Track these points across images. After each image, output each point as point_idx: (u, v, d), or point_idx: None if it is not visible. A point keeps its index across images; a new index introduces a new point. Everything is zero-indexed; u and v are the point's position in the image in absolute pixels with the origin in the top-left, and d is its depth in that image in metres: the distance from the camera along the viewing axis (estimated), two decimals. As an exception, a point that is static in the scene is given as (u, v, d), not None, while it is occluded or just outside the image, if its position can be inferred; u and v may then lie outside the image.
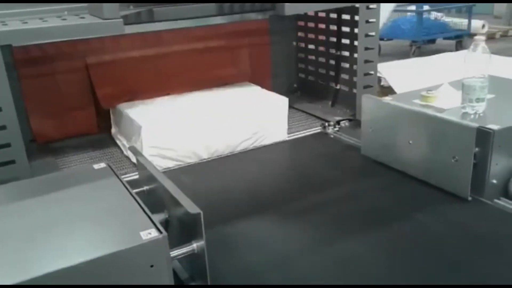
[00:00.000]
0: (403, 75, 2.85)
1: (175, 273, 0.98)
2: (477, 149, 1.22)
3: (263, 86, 2.10)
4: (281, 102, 1.74)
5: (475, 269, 1.02)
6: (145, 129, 1.48)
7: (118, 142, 1.70)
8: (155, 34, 1.71)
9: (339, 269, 1.04)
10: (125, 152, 1.63)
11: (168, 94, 1.82)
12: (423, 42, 5.62)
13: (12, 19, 1.33)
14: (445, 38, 5.88)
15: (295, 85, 2.20)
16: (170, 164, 1.54)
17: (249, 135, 1.67)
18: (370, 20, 1.73)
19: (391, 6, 4.27)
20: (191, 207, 0.88)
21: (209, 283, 0.91)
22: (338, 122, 1.82)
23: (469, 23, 5.76)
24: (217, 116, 1.61)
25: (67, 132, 1.73)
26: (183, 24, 1.55)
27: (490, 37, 6.28)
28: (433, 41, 5.89)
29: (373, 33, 1.76)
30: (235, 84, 1.94)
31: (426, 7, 5.70)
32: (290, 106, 2.00)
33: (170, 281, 0.85)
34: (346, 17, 1.84)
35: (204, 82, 1.91)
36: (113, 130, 1.76)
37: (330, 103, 2.01)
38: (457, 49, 5.36)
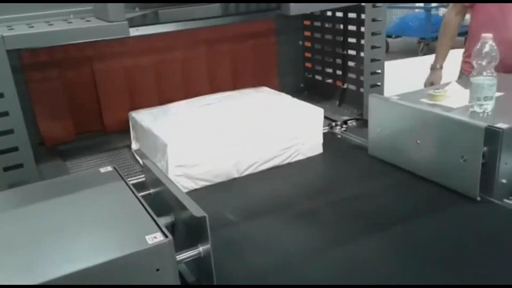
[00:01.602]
0: (410, 74, 2.83)
1: (182, 276, 0.98)
2: (485, 148, 1.21)
3: (270, 86, 2.11)
4: (317, 113, 1.59)
5: (485, 269, 1.01)
6: (171, 147, 1.34)
7: (139, 159, 1.54)
8: (161, 37, 1.71)
9: (347, 269, 1.04)
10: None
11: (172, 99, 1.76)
12: (432, 39, 5.58)
13: (19, 23, 1.33)
14: (453, 35, 5.83)
15: (302, 85, 2.19)
16: (197, 184, 1.42)
17: (282, 150, 1.53)
18: (377, 18, 1.72)
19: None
20: (197, 211, 0.88)
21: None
22: (345, 122, 1.81)
23: (478, 19, 5.70)
24: (249, 129, 1.47)
25: (76, 135, 1.74)
26: (188, 26, 1.55)
27: (500, 33, 6.21)
28: (441, 37, 5.84)
29: (379, 32, 1.75)
30: (259, 90, 1.82)
31: (434, 3, 5.67)
32: (297, 106, 2.00)
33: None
34: (352, 15, 1.83)
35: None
36: (133, 146, 1.65)
37: (337, 102, 2.00)
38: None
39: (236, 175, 1.46)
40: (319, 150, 1.60)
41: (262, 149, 1.48)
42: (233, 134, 1.43)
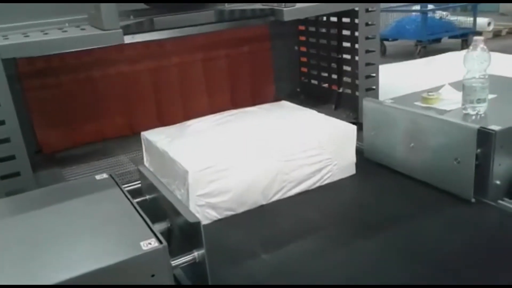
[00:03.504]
0: (407, 77, 2.84)
1: (178, 281, 0.99)
2: (479, 150, 1.21)
3: (266, 92, 2.12)
4: (349, 130, 1.44)
5: (481, 270, 1.01)
6: (193, 175, 1.20)
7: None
8: (157, 44, 1.72)
9: (341, 270, 1.04)
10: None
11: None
12: (428, 42, 5.59)
13: (14, 32, 1.35)
14: (450, 37, 5.85)
15: (298, 89, 2.20)
16: (221, 214, 1.27)
17: (312, 172, 1.38)
18: (370, 22, 1.74)
19: None
20: (191, 216, 0.89)
21: (210, 291, 0.91)
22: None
23: (475, 21, 5.73)
24: (277, 151, 1.32)
25: (73, 142, 1.75)
26: (183, 33, 1.56)
27: (496, 35, 6.24)
28: (438, 40, 5.86)
29: (373, 36, 1.76)
30: (279, 105, 1.69)
31: (430, 6, 5.68)
32: (293, 111, 2.01)
33: (172, 290, 0.86)
34: (346, 20, 1.84)
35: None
36: (146, 165, 1.51)
37: (333, 106, 2.01)
38: (462, 48, 5.32)
39: (263, 202, 1.32)
40: (352, 171, 1.46)
41: (291, 172, 1.34)
42: (260, 157, 1.29)
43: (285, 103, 1.70)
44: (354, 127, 1.44)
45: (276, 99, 2.14)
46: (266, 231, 1.21)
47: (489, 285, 0.97)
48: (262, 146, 1.32)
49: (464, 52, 1.36)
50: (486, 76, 1.33)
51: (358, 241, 1.14)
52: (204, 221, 1.22)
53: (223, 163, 1.24)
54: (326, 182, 1.41)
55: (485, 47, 1.32)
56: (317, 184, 1.39)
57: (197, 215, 1.17)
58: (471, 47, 1.34)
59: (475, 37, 1.34)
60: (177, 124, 1.53)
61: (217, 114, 1.60)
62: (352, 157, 1.45)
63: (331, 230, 1.20)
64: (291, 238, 1.17)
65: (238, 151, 1.29)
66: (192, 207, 1.20)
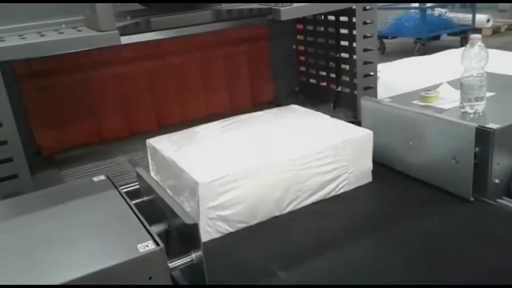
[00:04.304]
0: (406, 74, 2.83)
1: (176, 283, 0.99)
2: (477, 149, 1.21)
3: (264, 91, 2.12)
4: (366, 136, 1.39)
5: (479, 269, 1.01)
6: (203, 186, 1.14)
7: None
8: (155, 45, 1.72)
9: (340, 269, 1.04)
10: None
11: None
12: (428, 39, 5.59)
13: (10, 34, 1.34)
14: (449, 34, 5.85)
15: (296, 89, 2.20)
16: (233, 227, 1.22)
17: (328, 180, 1.33)
18: (367, 21, 1.73)
19: None
20: (188, 218, 0.89)
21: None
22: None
23: (474, 18, 5.73)
24: (291, 158, 1.25)
25: (72, 144, 1.75)
26: (180, 33, 1.56)
27: (496, 31, 6.24)
28: (437, 37, 5.86)
29: (371, 34, 1.76)
30: (289, 109, 1.64)
31: (429, 3, 5.68)
32: (292, 110, 2.01)
33: (169, 292, 0.85)
34: (344, 19, 1.84)
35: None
36: (152, 174, 1.47)
37: (332, 105, 2.01)
38: (462, 45, 5.33)
39: (277, 213, 1.26)
40: (368, 178, 1.41)
41: (306, 181, 1.28)
42: (273, 166, 1.23)
43: (294, 107, 1.65)
44: (371, 133, 1.38)
45: (275, 98, 2.14)
46: (282, 246, 1.15)
47: (488, 285, 0.97)
48: (274, 154, 1.26)
49: (462, 49, 1.36)
50: (484, 74, 1.33)
51: (380, 254, 1.09)
52: (215, 235, 1.19)
53: (235, 173, 1.18)
54: (342, 190, 1.35)
55: (482, 45, 1.32)
56: (333, 193, 1.34)
57: (208, 228, 1.16)
58: (468, 45, 1.33)
59: (472, 35, 1.34)
60: (184, 131, 1.49)
61: (225, 119, 1.55)
62: (368, 164, 1.39)
63: (351, 243, 1.13)
64: (309, 253, 1.10)
65: (249, 159, 1.23)
66: (203, 220, 1.15)
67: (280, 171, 1.24)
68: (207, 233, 1.17)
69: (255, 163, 1.22)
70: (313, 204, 1.31)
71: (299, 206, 1.29)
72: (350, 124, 1.44)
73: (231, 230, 1.21)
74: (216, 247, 1.15)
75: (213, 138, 1.40)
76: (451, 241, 1.11)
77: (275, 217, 1.26)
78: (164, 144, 1.38)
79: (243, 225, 1.22)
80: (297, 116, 1.54)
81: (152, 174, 1.44)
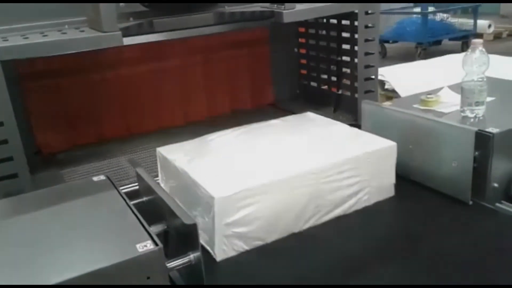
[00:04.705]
0: (408, 79, 2.84)
1: (174, 283, 0.99)
2: (477, 152, 1.21)
3: (265, 94, 2.12)
4: (389, 148, 1.31)
5: (477, 273, 1.01)
6: (220, 201, 1.07)
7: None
8: (157, 46, 1.72)
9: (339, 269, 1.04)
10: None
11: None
12: (429, 44, 5.60)
13: (13, 34, 1.35)
14: (451, 39, 5.86)
15: (297, 91, 2.20)
16: (249, 245, 1.13)
17: (349, 195, 1.25)
18: (369, 25, 1.74)
19: None
20: (187, 218, 0.89)
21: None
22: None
23: (475, 23, 5.74)
24: (311, 171, 1.18)
25: (72, 144, 1.75)
26: (182, 34, 1.56)
27: (497, 37, 6.25)
28: (439, 42, 5.88)
29: (372, 38, 1.77)
30: (304, 117, 1.57)
31: (431, 8, 5.70)
32: (293, 113, 2.01)
33: (167, 292, 0.86)
34: (346, 22, 1.85)
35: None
36: (162, 185, 1.39)
37: (332, 108, 2.01)
38: (463, 50, 5.33)
39: (295, 230, 1.19)
40: (390, 192, 1.33)
41: (326, 196, 1.21)
42: (292, 179, 1.16)
43: (310, 115, 1.58)
44: (394, 145, 1.30)
45: (276, 101, 2.15)
46: (302, 266, 1.07)
47: (488, 285, 0.97)
48: (295, 166, 1.19)
49: (463, 54, 1.37)
50: (485, 79, 1.33)
51: (408, 277, 1.03)
52: (230, 253, 1.11)
53: (253, 187, 1.10)
54: (363, 205, 1.28)
55: (483, 49, 1.32)
56: (353, 208, 1.26)
57: (223, 247, 1.09)
58: (469, 50, 1.34)
59: (474, 40, 1.34)
60: (196, 139, 1.41)
61: (239, 128, 1.47)
62: (391, 178, 1.32)
63: (375, 264, 1.06)
64: (331, 275, 1.03)
65: (268, 172, 1.16)
66: (218, 238, 1.08)
67: (301, 185, 1.17)
68: (222, 252, 1.10)
69: (274, 176, 1.14)
70: (333, 220, 1.23)
71: (318, 222, 1.21)
72: (372, 135, 1.37)
73: (247, 248, 1.13)
74: (231, 266, 1.08)
75: (228, 148, 1.32)
76: (449, 244, 1.11)
77: (293, 234, 1.18)
78: (175, 154, 1.31)
79: (259, 243, 1.14)
80: (315, 125, 1.48)
81: (162, 185, 1.38)
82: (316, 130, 1.42)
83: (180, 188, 1.25)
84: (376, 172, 1.28)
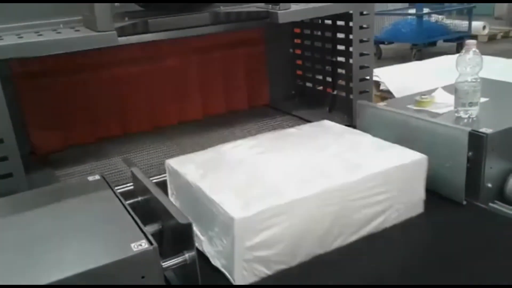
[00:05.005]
0: (403, 79, 2.85)
1: (169, 283, 0.99)
2: (470, 153, 1.22)
3: (261, 94, 2.13)
4: (420, 161, 1.22)
5: (471, 273, 1.02)
6: (240, 223, 0.97)
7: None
8: (152, 46, 1.72)
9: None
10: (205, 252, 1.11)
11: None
12: (424, 45, 5.62)
13: (8, 33, 1.34)
14: (445, 41, 5.89)
15: (293, 92, 2.21)
16: (271, 269, 1.04)
17: (377, 212, 1.16)
18: (364, 26, 1.74)
19: None
20: (182, 218, 0.89)
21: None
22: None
23: (470, 24, 5.77)
24: (337, 189, 1.09)
25: (67, 144, 1.75)
26: (177, 34, 1.56)
27: (491, 38, 6.28)
28: (434, 43, 5.90)
29: (367, 39, 1.77)
30: (321, 126, 1.49)
31: (426, 9, 5.72)
32: (288, 113, 2.02)
33: (162, 292, 0.86)
34: (340, 23, 1.85)
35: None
36: (172, 199, 1.29)
37: (327, 109, 2.02)
38: (458, 51, 5.35)
39: (320, 252, 1.10)
40: (420, 209, 1.24)
41: (353, 215, 1.12)
42: (318, 197, 1.07)
43: (327, 123, 1.50)
44: (425, 157, 1.21)
45: (271, 101, 2.15)
46: None
47: (481, 285, 0.98)
48: (320, 183, 1.09)
49: (457, 55, 1.37)
50: (478, 80, 1.34)
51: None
52: (251, 279, 1.02)
53: (276, 206, 1.01)
54: (390, 224, 1.19)
55: (477, 50, 1.33)
56: (381, 227, 1.17)
57: (244, 272, 1.00)
58: (463, 51, 1.35)
59: (467, 41, 1.35)
60: (208, 150, 1.33)
61: (253, 138, 1.40)
62: (421, 193, 1.23)
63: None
64: None
65: (291, 189, 1.06)
66: (238, 263, 0.99)
67: (327, 204, 1.07)
68: (241, 277, 1.01)
69: (298, 194, 1.05)
70: (360, 240, 1.14)
71: (344, 243, 1.12)
72: (398, 146, 1.27)
73: (269, 273, 1.03)
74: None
75: (244, 162, 1.22)
76: (443, 243, 1.12)
77: (318, 256, 1.09)
78: (187, 167, 1.21)
79: (282, 267, 1.05)
80: (334, 134, 1.38)
81: (172, 199, 1.28)
82: (336, 140, 1.32)
83: (192, 205, 1.15)
84: (405, 187, 1.19)
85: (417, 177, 1.22)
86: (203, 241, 1.11)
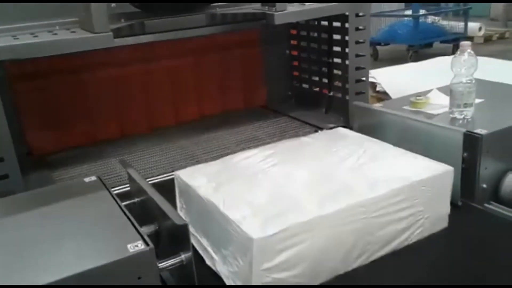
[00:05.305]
0: (399, 81, 2.86)
1: (165, 284, 0.99)
2: (465, 154, 1.23)
3: (258, 96, 2.13)
4: (446, 173, 1.15)
5: (467, 273, 1.02)
6: (259, 243, 0.90)
7: (192, 238, 1.03)
8: (148, 48, 1.72)
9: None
10: (213, 267, 1.06)
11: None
12: (420, 46, 5.64)
13: (3, 35, 1.34)
14: (442, 42, 5.91)
15: (289, 93, 2.21)
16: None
17: (401, 229, 1.09)
18: (360, 27, 1.75)
19: None
20: (178, 219, 0.89)
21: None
22: (331, 129, 1.83)
23: (466, 26, 5.80)
24: (360, 205, 1.02)
25: (63, 145, 1.75)
26: (173, 36, 1.56)
27: (487, 40, 6.31)
28: (430, 45, 5.92)
29: (363, 40, 1.78)
30: (338, 134, 1.42)
31: (422, 11, 5.74)
32: (285, 114, 2.02)
33: (158, 292, 0.86)
34: (337, 24, 1.86)
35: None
36: (181, 213, 1.22)
37: (324, 110, 2.02)
38: (454, 52, 5.36)
39: (342, 271, 1.03)
40: (444, 223, 1.17)
41: (377, 232, 1.05)
42: (342, 214, 0.99)
43: (342, 130, 1.44)
44: (452, 169, 1.15)
45: (268, 102, 2.15)
46: None
47: (481, 285, 0.99)
48: (342, 198, 1.01)
49: (453, 56, 1.38)
50: (473, 81, 1.35)
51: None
52: None
53: (296, 224, 0.93)
54: (415, 240, 1.12)
55: (472, 52, 1.34)
56: (405, 243, 1.10)
57: None
58: (458, 52, 1.36)
59: (462, 42, 1.36)
60: (219, 161, 1.26)
61: (265, 147, 1.32)
62: (446, 207, 1.16)
63: None
64: None
65: (312, 206, 0.99)
66: (254, 282, 0.92)
67: (350, 221, 1.00)
68: None
69: (321, 210, 0.98)
70: (384, 257, 1.07)
71: (367, 261, 1.05)
72: (422, 157, 1.20)
73: None
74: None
75: (259, 174, 1.15)
76: (439, 244, 1.12)
77: (340, 276, 1.02)
78: (198, 180, 1.14)
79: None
80: (352, 144, 1.30)
81: (181, 214, 1.21)
82: (356, 151, 1.24)
83: (205, 221, 1.08)
84: (431, 202, 1.12)
85: (443, 190, 1.15)
86: (216, 260, 1.04)
